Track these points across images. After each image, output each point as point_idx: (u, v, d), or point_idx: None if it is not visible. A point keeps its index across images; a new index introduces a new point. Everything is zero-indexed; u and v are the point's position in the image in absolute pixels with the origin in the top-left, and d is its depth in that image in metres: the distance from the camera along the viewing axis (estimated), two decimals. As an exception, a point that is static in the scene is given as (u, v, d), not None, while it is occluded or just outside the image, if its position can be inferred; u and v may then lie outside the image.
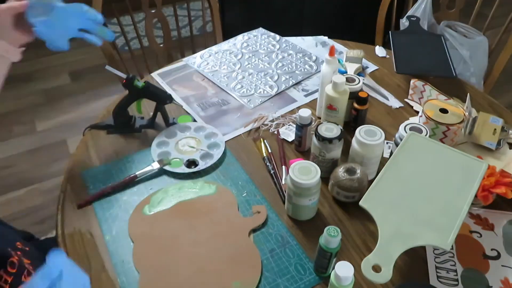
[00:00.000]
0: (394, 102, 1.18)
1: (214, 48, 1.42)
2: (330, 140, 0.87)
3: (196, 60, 1.36)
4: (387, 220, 0.71)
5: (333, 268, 0.64)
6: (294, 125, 1.04)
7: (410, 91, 1.18)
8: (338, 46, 1.42)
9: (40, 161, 2.07)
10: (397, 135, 0.93)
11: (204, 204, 0.89)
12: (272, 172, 0.96)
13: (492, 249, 0.80)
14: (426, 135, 0.89)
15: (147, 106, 1.12)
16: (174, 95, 1.19)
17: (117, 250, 0.81)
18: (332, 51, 1.02)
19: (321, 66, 1.08)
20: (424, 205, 0.74)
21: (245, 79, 1.27)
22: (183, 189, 0.92)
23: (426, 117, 0.97)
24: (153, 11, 1.51)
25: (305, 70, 1.31)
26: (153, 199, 0.90)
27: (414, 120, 1.09)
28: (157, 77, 1.29)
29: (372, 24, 1.71)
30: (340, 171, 0.87)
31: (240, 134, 1.08)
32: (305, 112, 0.95)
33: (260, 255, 0.79)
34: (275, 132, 1.07)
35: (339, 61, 1.29)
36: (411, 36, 1.36)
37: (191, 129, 1.07)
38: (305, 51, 1.40)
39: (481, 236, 0.83)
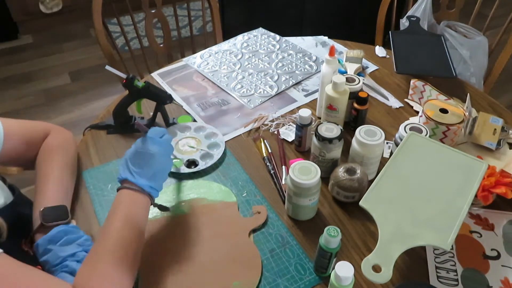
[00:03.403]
0: (394, 102, 1.18)
1: (214, 48, 1.42)
2: (330, 140, 0.87)
3: (196, 60, 1.36)
4: (387, 220, 0.71)
5: (333, 268, 0.64)
6: (294, 125, 1.04)
7: (410, 91, 1.18)
8: (338, 46, 1.42)
9: (40, 161, 2.07)
10: (397, 135, 0.93)
11: (204, 204, 0.89)
12: (272, 172, 0.96)
13: (492, 249, 0.80)
14: (426, 135, 0.89)
15: (147, 106, 1.12)
16: (174, 95, 1.19)
17: (117, 250, 0.80)
18: (332, 51, 1.02)
19: (321, 66, 1.08)
20: (424, 205, 0.74)
21: (245, 79, 1.27)
22: (181, 189, 0.92)
23: (426, 117, 0.97)
24: (153, 11, 1.50)
25: (305, 70, 1.31)
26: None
27: (414, 120, 1.09)
28: (157, 77, 1.29)
29: (372, 24, 1.71)
30: (340, 171, 0.87)
31: (240, 134, 1.08)
32: (305, 112, 0.95)
33: (260, 255, 0.79)
34: (275, 132, 1.07)
35: (339, 61, 1.29)
36: (411, 36, 1.36)
37: (191, 129, 1.07)
38: (305, 51, 1.40)
39: (481, 236, 0.83)
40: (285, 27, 2.38)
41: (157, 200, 0.90)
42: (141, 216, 0.71)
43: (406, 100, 1.18)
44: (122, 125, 1.07)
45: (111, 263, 0.65)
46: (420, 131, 0.90)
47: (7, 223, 0.70)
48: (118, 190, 0.73)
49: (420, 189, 0.76)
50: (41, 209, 0.76)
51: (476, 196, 0.79)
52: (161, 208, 0.83)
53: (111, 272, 0.64)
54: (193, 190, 0.92)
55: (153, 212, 0.87)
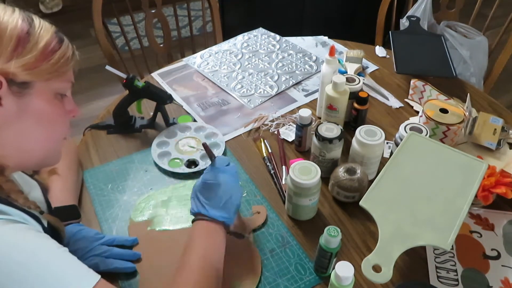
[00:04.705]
0: (394, 102, 1.18)
1: (214, 48, 1.42)
2: (330, 140, 0.87)
3: (196, 60, 1.36)
4: (387, 220, 0.71)
5: (333, 268, 0.64)
6: (294, 125, 1.04)
7: (410, 91, 1.18)
8: (338, 46, 1.42)
9: (40, 161, 2.06)
10: (397, 135, 0.93)
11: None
12: (272, 172, 0.96)
13: (492, 249, 0.80)
14: (426, 135, 0.89)
15: (147, 106, 1.12)
16: (174, 95, 1.19)
17: (117, 250, 0.80)
18: (332, 51, 1.02)
19: (321, 66, 1.08)
20: (424, 205, 0.74)
21: (245, 79, 1.27)
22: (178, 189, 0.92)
23: (426, 117, 0.97)
24: (153, 11, 1.50)
25: (305, 70, 1.31)
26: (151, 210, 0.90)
27: (414, 120, 1.09)
28: (157, 77, 1.29)
29: (372, 24, 1.71)
30: (340, 171, 0.87)
31: (240, 134, 1.08)
32: (305, 112, 0.95)
33: (260, 255, 0.79)
34: (275, 132, 1.07)
35: (339, 61, 1.29)
36: (411, 36, 1.36)
37: (191, 129, 1.07)
38: (305, 51, 1.40)
39: (481, 236, 0.83)
40: (285, 27, 2.38)
41: (160, 201, 0.90)
42: (218, 245, 0.71)
43: (406, 100, 1.18)
44: (122, 125, 1.07)
45: None
46: (420, 131, 0.90)
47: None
48: (193, 221, 0.73)
49: (420, 189, 0.76)
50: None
51: (476, 196, 0.79)
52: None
53: None
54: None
55: (153, 212, 0.87)
